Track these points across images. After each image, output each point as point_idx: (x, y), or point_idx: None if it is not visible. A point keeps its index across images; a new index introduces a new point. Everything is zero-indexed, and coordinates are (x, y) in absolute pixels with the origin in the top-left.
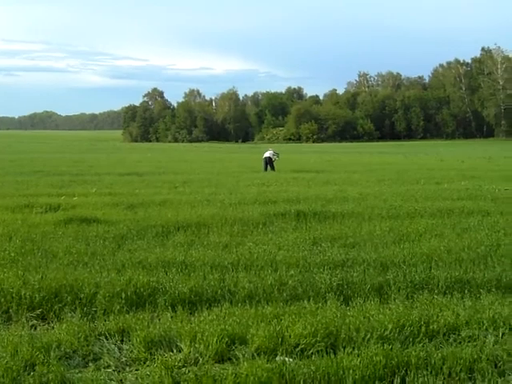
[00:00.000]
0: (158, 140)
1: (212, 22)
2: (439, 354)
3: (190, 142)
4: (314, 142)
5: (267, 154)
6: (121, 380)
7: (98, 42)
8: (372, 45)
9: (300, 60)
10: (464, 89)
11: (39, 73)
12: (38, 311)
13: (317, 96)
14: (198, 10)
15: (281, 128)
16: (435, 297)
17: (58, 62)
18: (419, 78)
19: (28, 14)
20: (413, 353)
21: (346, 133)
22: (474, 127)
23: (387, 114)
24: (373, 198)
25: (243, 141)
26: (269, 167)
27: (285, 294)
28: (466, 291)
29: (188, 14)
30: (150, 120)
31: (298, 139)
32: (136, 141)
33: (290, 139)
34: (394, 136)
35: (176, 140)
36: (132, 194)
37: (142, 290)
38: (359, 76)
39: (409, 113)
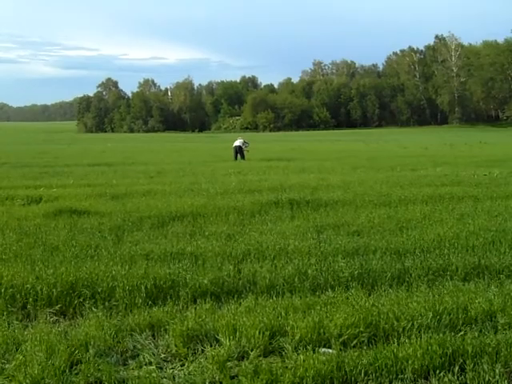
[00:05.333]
0: (113, 130)
1: (160, 10)
2: (492, 342)
3: (146, 132)
4: (270, 130)
5: (237, 143)
6: (173, 377)
7: (47, 32)
8: (325, 34)
9: (252, 49)
10: (418, 76)
11: None
12: (57, 307)
13: (272, 85)
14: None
15: (237, 117)
16: (457, 283)
17: (8, 53)
18: (373, 66)
19: None
20: (467, 341)
21: (303, 121)
22: (429, 114)
23: (343, 102)
24: (357, 185)
25: (200, 130)
26: (239, 156)
27: (307, 284)
28: (486, 277)
29: (135, 2)
30: (105, 110)
31: (255, 128)
32: (91, 131)
33: (246, 128)
34: (349, 124)
35: (132, 130)
36: (110, 184)
37: (161, 282)
38: (314, 64)
39: (364, 101)
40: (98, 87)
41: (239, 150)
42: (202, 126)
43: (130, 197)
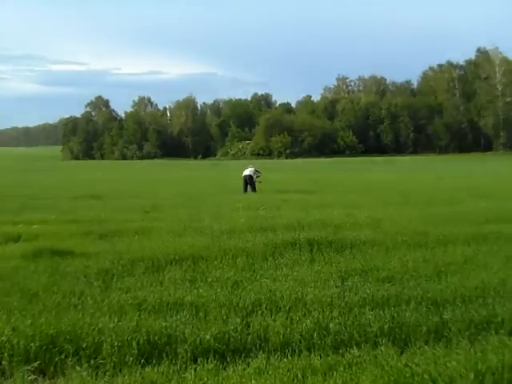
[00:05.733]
0: (103, 157)
1: (161, 18)
2: None
3: (141, 158)
4: (287, 157)
5: (247, 172)
6: None
7: (30, 44)
8: (350, 45)
9: (266, 62)
10: (458, 95)
11: None
12: (36, 364)
13: (288, 104)
14: (142, 5)
15: (248, 141)
16: (503, 338)
17: None
18: (407, 82)
19: None
20: None
21: (325, 146)
22: (471, 139)
23: (371, 124)
24: (388, 222)
25: (203, 157)
26: (249, 187)
27: (328, 341)
28: None
29: (132, 11)
30: (94, 134)
31: (269, 154)
32: (77, 158)
33: (258, 154)
34: (379, 150)
35: (124, 157)
36: (99, 220)
37: (155, 337)
38: (337, 80)
39: (396, 123)
40: (86, 107)
41: (249, 181)
42: (206, 152)
43: (120, 235)
